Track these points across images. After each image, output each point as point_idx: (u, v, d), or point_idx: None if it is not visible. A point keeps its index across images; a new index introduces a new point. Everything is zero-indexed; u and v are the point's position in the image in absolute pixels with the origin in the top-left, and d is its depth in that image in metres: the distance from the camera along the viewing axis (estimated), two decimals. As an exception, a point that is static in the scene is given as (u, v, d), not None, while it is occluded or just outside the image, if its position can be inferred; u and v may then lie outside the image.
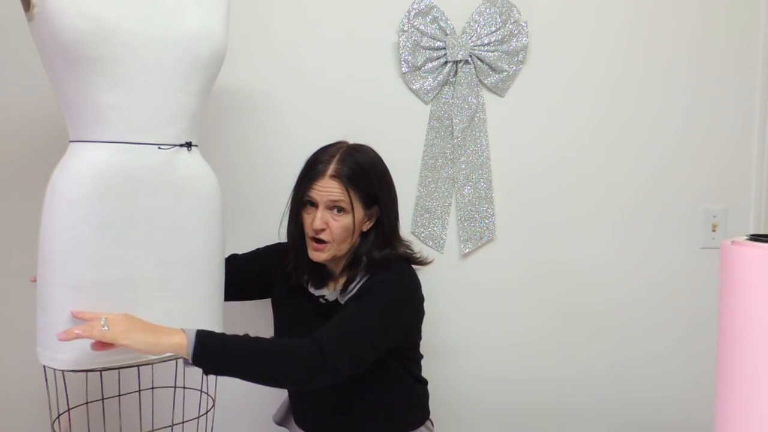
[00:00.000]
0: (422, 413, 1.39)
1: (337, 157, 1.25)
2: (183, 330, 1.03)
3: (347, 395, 1.27)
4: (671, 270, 1.73)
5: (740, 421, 0.74)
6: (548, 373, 1.72)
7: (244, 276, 1.39)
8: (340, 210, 1.23)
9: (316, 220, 1.23)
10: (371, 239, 1.30)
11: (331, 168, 1.23)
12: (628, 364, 1.74)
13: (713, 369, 0.79)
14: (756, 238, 0.75)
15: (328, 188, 1.23)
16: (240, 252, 1.44)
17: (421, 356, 1.39)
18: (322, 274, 1.32)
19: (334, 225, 1.23)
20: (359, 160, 1.26)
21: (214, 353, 1.03)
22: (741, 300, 0.73)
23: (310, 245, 1.26)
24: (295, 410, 1.39)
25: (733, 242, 0.75)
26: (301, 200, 1.27)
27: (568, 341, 1.72)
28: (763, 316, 0.70)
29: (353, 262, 1.29)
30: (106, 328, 0.99)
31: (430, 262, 1.39)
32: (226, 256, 1.32)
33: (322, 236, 1.24)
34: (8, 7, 1.27)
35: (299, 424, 1.37)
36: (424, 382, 1.41)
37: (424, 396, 1.40)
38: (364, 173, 1.25)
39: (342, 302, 1.26)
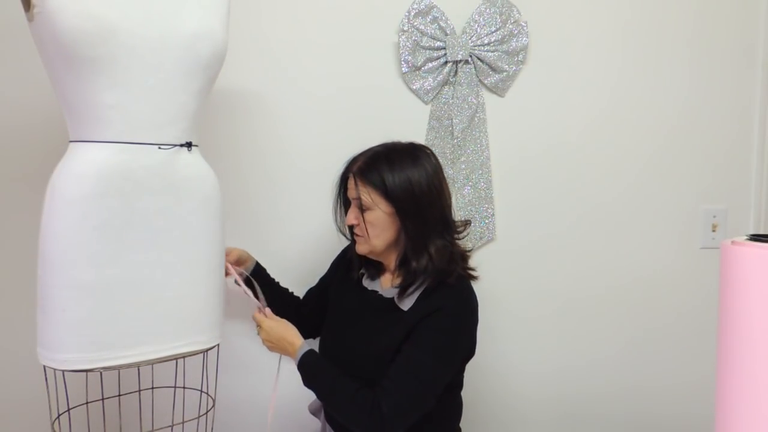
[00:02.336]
0: (453, 428, 1.38)
1: (365, 155, 1.28)
2: (297, 348, 1.26)
3: None
4: (671, 270, 1.73)
5: (740, 421, 0.73)
6: (548, 371, 1.73)
7: (317, 308, 1.47)
8: (363, 208, 1.25)
9: (348, 215, 1.30)
10: (406, 241, 1.27)
11: (355, 167, 1.28)
12: (627, 364, 1.74)
13: (713, 369, 0.79)
14: (756, 238, 0.75)
15: (351, 186, 1.28)
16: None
17: (461, 377, 1.37)
18: (374, 265, 1.35)
19: (362, 221, 1.27)
20: (380, 158, 1.26)
21: (305, 375, 1.25)
22: (741, 300, 0.72)
23: (355, 239, 1.33)
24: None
25: (733, 242, 0.74)
26: (343, 199, 1.34)
27: (568, 341, 1.72)
28: (763, 316, 0.70)
29: (405, 260, 1.27)
30: (258, 327, 1.32)
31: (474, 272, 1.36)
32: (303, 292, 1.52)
33: (356, 231, 1.29)
34: (8, 7, 1.27)
35: (329, 420, 1.37)
36: (459, 404, 1.38)
37: (456, 416, 1.38)
38: (375, 169, 1.24)
39: (399, 305, 1.26)
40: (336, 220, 1.37)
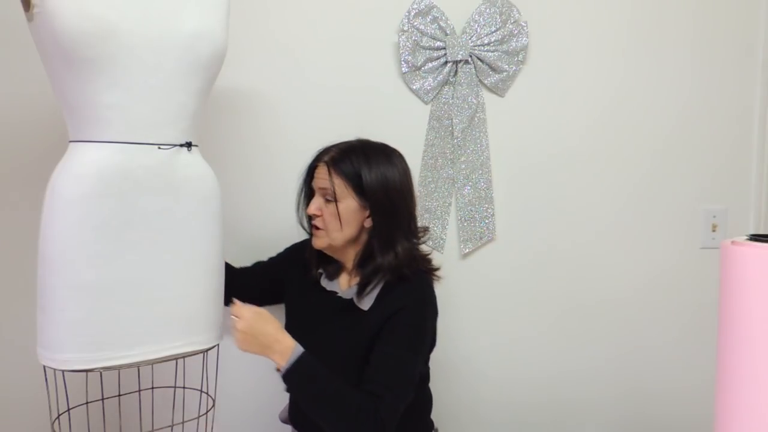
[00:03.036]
0: (425, 426, 1.38)
1: (340, 146, 1.27)
2: (291, 349, 1.14)
3: None
4: (671, 270, 1.73)
5: (740, 421, 0.73)
6: (548, 372, 1.72)
7: (256, 284, 1.42)
8: (329, 199, 1.24)
9: (311, 205, 1.26)
10: (373, 237, 1.26)
11: (328, 156, 1.26)
12: (628, 364, 1.74)
13: (713, 369, 0.79)
14: (756, 238, 0.75)
15: (320, 175, 1.26)
16: (267, 255, 1.47)
17: (428, 368, 1.37)
18: (331, 264, 1.32)
19: (326, 212, 1.24)
20: (356, 151, 1.25)
21: (296, 381, 1.15)
22: (741, 300, 0.72)
23: (313, 233, 1.30)
24: (295, 414, 1.38)
25: (733, 242, 0.74)
26: (307, 189, 1.31)
27: (568, 341, 1.72)
28: (763, 316, 0.70)
29: (364, 259, 1.26)
30: (235, 319, 1.15)
31: (438, 272, 1.34)
32: (252, 263, 1.46)
33: (317, 222, 1.26)
34: (8, 7, 1.27)
35: (297, 427, 1.36)
36: (429, 396, 1.39)
37: (427, 409, 1.38)
38: (353, 164, 1.23)
39: (359, 305, 1.25)
40: (297, 211, 1.34)
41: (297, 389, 1.16)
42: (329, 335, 1.27)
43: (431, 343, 1.32)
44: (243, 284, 1.40)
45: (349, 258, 1.29)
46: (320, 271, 1.34)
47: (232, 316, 1.17)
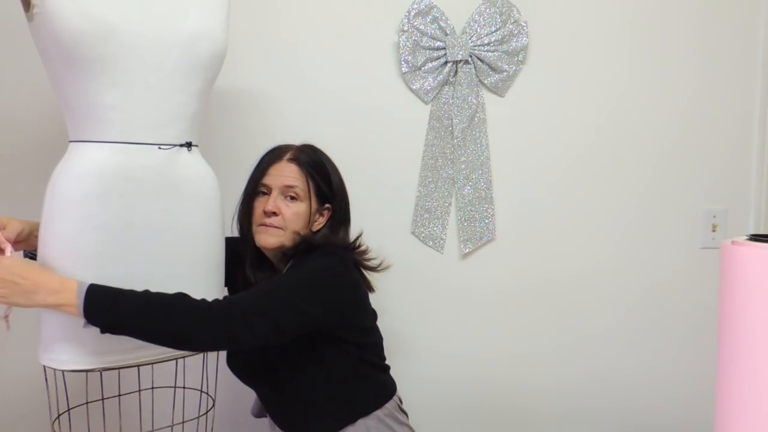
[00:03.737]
0: (381, 396, 1.27)
1: (297, 147, 1.27)
2: (73, 282, 0.98)
3: (299, 381, 1.21)
4: (672, 270, 1.73)
5: (740, 421, 0.73)
6: (548, 371, 1.72)
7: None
8: (294, 196, 1.21)
9: (268, 202, 1.20)
10: (316, 238, 1.22)
11: (290, 153, 1.24)
12: (627, 363, 1.74)
13: (713, 369, 0.79)
14: (756, 238, 0.75)
15: (285, 172, 1.21)
16: None
17: (381, 339, 1.31)
18: (265, 272, 1.26)
19: (287, 210, 1.20)
20: (319, 154, 1.27)
21: (104, 308, 0.98)
22: (741, 300, 0.72)
23: (258, 230, 1.21)
24: (266, 406, 1.33)
25: (733, 242, 0.74)
26: (254, 188, 1.24)
27: (567, 340, 1.72)
28: (763, 316, 0.70)
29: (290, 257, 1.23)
30: None
31: (380, 268, 1.30)
32: None
33: (274, 221, 1.19)
34: (8, 7, 1.27)
35: (275, 418, 1.31)
36: (384, 368, 1.32)
37: (383, 380, 1.30)
38: (321, 165, 1.25)
39: None
40: (240, 207, 1.26)
41: (109, 318, 0.99)
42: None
43: (344, 303, 1.19)
44: None
45: (284, 261, 1.25)
46: (255, 279, 1.26)
47: None
